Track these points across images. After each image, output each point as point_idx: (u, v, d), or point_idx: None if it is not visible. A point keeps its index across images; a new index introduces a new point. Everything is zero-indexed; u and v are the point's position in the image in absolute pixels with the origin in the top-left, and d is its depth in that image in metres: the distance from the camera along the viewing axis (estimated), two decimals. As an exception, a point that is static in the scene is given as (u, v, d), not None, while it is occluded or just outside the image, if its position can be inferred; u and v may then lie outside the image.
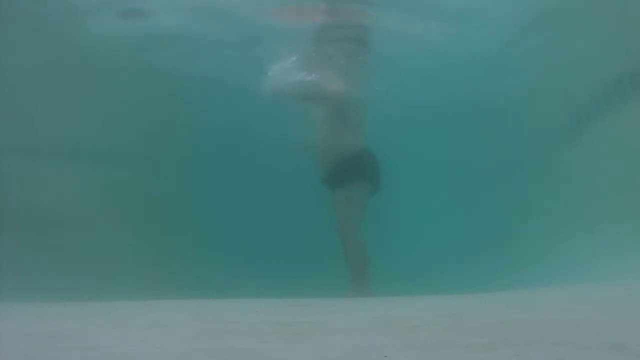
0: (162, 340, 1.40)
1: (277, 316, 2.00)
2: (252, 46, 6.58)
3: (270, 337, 1.39)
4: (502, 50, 6.53)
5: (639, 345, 1.12)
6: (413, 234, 7.60)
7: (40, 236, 4.66)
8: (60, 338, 1.45)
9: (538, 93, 6.28)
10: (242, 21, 6.12)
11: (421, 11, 5.86)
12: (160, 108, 7.05)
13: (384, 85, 6.42)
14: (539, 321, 1.62)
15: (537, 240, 5.79)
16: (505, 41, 6.36)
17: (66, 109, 5.51)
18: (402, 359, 1.08)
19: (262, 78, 5.59)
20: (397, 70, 6.50)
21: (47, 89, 5.46)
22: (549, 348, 1.12)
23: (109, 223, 5.56)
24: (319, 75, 5.48)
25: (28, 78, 5.37)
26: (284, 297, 3.17)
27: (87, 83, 5.82)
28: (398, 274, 5.40)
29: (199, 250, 6.69)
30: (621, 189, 4.92)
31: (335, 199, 4.62)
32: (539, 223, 5.99)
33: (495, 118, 7.02)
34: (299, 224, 7.82)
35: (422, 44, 6.43)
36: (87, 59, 5.92)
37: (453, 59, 6.68)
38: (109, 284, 4.16)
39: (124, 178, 6.08)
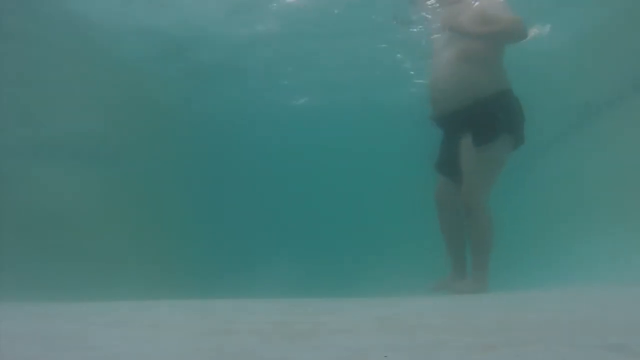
0: (162, 340, 1.40)
1: (277, 316, 2.00)
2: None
3: (270, 337, 1.39)
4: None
5: (639, 345, 1.12)
6: (411, 232, 7.59)
7: (40, 236, 4.66)
8: (60, 338, 1.45)
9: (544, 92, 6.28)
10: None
11: None
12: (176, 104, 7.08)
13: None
14: (539, 321, 1.62)
15: (537, 240, 5.79)
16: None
17: (67, 108, 5.51)
18: (402, 359, 1.08)
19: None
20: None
21: (48, 89, 5.46)
22: (549, 348, 1.12)
23: (109, 223, 5.57)
24: None
25: (29, 78, 5.37)
26: (284, 297, 3.17)
27: (88, 83, 5.83)
28: (398, 273, 5.39)
29: (199, 250, 6.70)
30: (621, 188, 4.92)
31: (465, 156, 3.52)
32: (539, 223, 6.00)
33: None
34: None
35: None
36: (91, 58, 5.94)
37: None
38: (109, 284, 4.16)
39: (124, 178, 6.08)
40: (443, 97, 3.62)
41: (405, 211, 6.89)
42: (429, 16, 4.51)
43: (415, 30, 4.42)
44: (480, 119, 3.49)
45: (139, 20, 6.30)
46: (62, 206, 5.08)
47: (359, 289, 4.36)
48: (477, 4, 3.63)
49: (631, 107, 5.33)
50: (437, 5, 4.12)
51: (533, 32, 5.47)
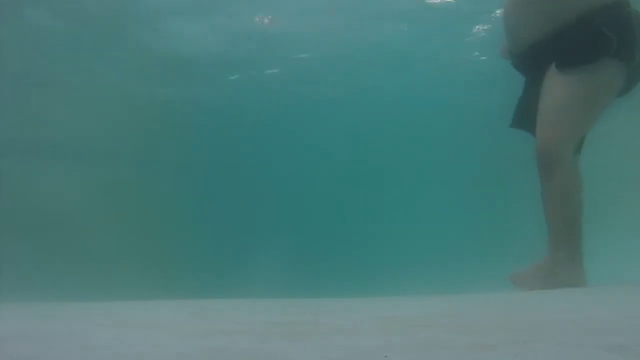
0: (162, 340, 1.40)
1: (277, 316, 2.00)
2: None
3: (270, 337, 1.39)
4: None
5: (639, 345, 1.12)
6: (411, 232, 7.59)
7: (40, 236, 4.67)
8: (60, 338, 1.45)
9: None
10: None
11: None
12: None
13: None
14: (539, 321, 1.62)
15: (536, 240, 5.79)
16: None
17: (67, 109, 5.52)
18: (402, 359, 1.08)
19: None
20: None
21: (48, 90, 5.46)
22: (549, 348, 1.12)
23: (109, 223, 5.57)
24: None
25: (29, 79, 5.38)
26: (284, 297, 3.17)
27: (89, 83, 5.84)
28: (397, 273, 5.39)
29: (199, 251, 6.70)
30: (622, 189, 4.92)
31: (546, 84, 2.59)
32: (538, 222, 5.98)
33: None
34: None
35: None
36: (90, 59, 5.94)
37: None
38: (109, 284, 4.16)
39: (125, 178, 6.09)
40: (524, 24, 2.62)
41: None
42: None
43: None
44: (574, 41, 2.48)
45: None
46: (62, 206, 5.08)
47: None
48: None
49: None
50: None
51: None
